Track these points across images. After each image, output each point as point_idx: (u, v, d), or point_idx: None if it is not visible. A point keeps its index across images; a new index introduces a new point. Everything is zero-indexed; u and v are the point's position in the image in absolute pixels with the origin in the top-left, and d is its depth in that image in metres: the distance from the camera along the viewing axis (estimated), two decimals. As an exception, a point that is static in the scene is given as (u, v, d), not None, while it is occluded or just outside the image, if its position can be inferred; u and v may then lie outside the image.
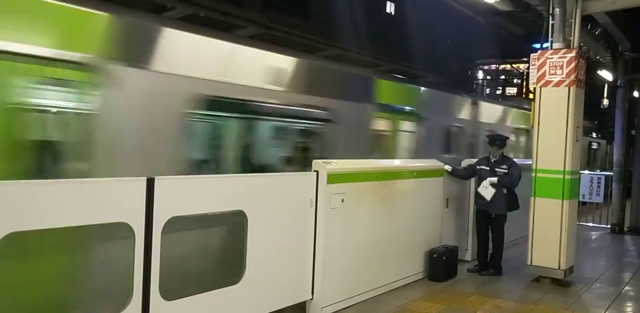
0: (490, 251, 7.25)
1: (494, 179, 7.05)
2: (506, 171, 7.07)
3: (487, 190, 7.10)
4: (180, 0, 6.11)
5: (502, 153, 7.30)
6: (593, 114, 20.13)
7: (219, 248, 5.19)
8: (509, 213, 7.20)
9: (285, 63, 6.42)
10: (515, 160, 7.42)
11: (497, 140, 7.32)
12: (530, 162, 6.86)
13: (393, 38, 14.52)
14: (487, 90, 26.17)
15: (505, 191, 7.08)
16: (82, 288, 4.01)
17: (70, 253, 4.01)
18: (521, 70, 24.65)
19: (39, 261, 3.80)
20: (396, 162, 7.17)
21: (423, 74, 10.73)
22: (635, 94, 12.90)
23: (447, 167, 7.27)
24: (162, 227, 3.75)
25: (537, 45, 8.54)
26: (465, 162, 7.81)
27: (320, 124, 7.17)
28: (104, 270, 4.05)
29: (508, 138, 7.94)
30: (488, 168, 7.19)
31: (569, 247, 6.60)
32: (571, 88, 6.49)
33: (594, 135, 23.07)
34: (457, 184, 7.64)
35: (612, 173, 11.86)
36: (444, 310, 5.51)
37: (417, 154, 8.91)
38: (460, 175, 7.50)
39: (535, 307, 5.77)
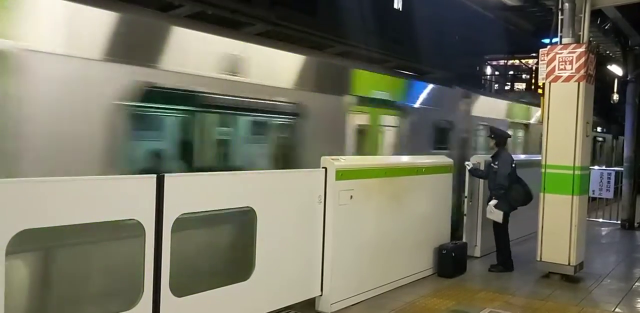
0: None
1: (493, 202, 6.95)
2: (497, 167, 7.04)
3: (493, 214, 7.01)
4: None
5: (501, 148, 7.26)
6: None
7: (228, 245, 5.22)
8: (519, 209, 7.17)
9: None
10: (522, 156, 7.39)
11: (492, 135, 7.38)
12: (540, 158, 6.83)
13: (401, 34, 14.47)
14: (496, 86, 26.01)
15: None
16: None
17: None
18: (530, 66, 24.48)
19: None
20: (404, 159, 7.17)
21: (431, 70, 10.67)
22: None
23: (468, 164, 7.23)
24: (172, 224, 3.77)
25: (547, 40, 8.46)
26: (474, 158, 7.78)
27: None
28: None
29: (508, 135, 7.84)
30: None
31: (578, 242, 6.57)
32: (581, 83, 6.45)
33: None
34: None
35: (622, 169, 11.79)
36: (453, 306, 5.52)
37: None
38: (479, 175, 7.49)
39: (545, 303, 5.75)
